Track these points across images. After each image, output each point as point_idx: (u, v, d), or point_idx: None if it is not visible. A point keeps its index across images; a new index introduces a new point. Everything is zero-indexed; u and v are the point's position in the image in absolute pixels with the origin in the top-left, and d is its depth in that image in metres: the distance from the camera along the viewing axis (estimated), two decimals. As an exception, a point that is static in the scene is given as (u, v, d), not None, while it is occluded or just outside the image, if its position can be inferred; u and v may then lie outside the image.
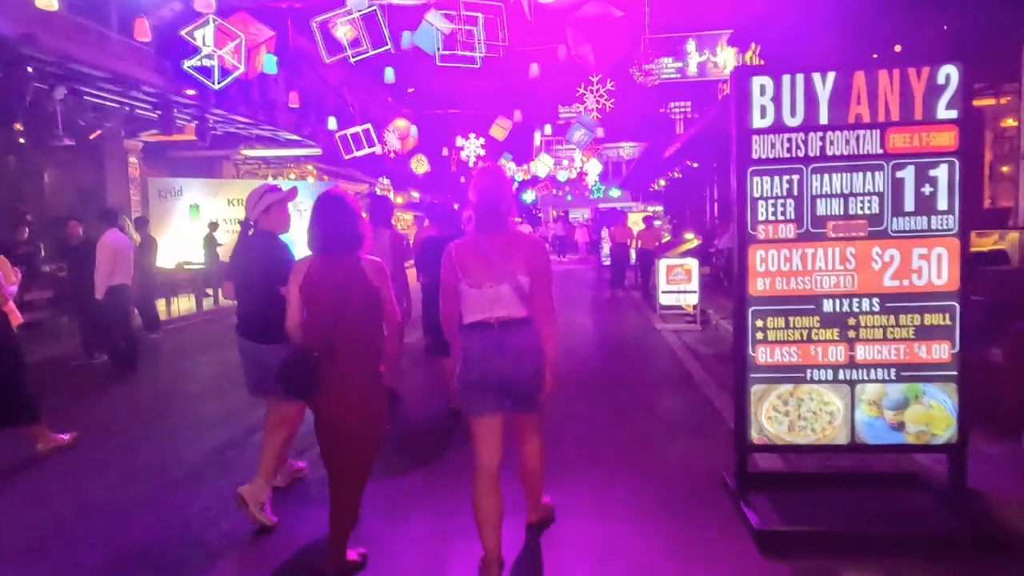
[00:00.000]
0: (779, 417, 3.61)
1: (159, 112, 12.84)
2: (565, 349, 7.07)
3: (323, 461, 3.16)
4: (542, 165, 28.60)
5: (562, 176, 36.03)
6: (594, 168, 34.32)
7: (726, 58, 17.35)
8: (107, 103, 13.07)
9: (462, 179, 32.03)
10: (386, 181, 27.46)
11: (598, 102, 13.79)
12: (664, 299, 10.07)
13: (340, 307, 2.97)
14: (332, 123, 15.23)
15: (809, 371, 3.57)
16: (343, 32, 9.09)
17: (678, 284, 9.93)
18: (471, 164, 19.99)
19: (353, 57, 9.09)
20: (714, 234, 20.16)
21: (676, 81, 18.42)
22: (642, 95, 20.42)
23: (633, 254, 15.28)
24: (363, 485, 3.15)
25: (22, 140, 11.78)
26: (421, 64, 11.65)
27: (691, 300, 9.95)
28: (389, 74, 11.26)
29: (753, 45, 10.63)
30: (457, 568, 3.24)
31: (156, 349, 9.48)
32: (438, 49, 9.06)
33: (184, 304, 13.31)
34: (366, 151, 16.26)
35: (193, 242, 17.36)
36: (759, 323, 3.59)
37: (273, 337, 3.50)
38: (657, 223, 15.42)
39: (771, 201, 3.54)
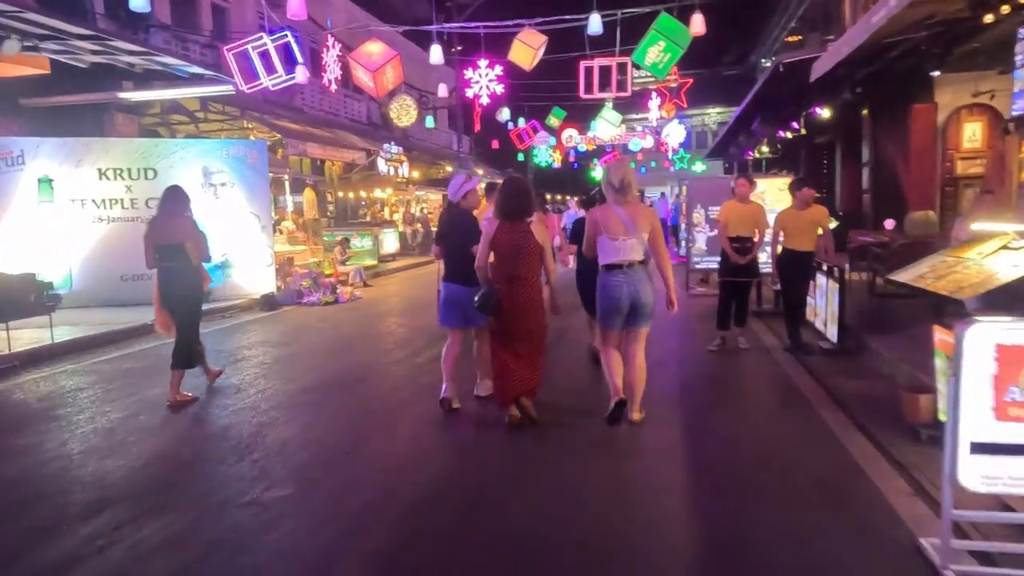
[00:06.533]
0: None
1: None
2: None
3: (509, 351, 4.74)
4: (606, 125, 21.09)
5: (635, 145, 28.49)
6: (676, 132, 26.55)
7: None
8: None
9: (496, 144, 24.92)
10: (395, 149, 20.62)
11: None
12: (983, 469, 2.68)
13: (517, 254, 4.61)
14: (139, -2, 7.89)
15: None
16: None
17: (1038, 415, 2.56)
18: (484, 102, 12.76)
19: None
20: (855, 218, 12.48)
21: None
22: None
23: (761, 256, 7.71)
24: (542, 356, 4.93)
25: None
26: None
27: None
28: None
29: None
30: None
31: None
32: None
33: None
34: (282, 80, 9.39)
35: (48, 240, 11.13)
36: None
37: (471, 281, 4.90)
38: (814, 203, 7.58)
39: None
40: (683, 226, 15.91)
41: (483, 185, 7.73)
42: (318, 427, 4.93)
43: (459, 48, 21.54)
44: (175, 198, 5.85)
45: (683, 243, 16.12)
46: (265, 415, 5.25)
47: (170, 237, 5.66)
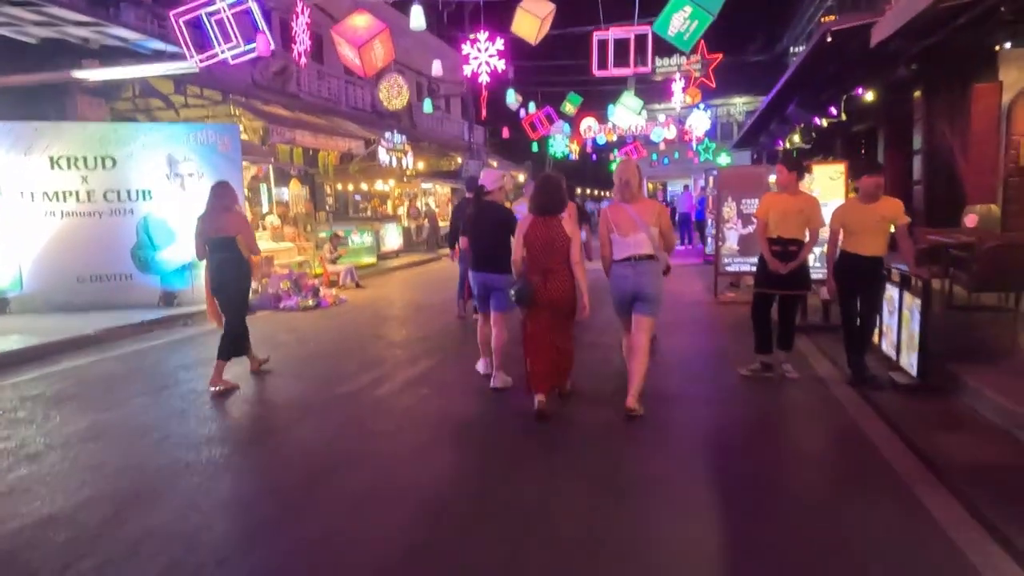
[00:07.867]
0: None
1: None
2: None
3: (539, 338, 4.91)
4: (625, 111, 19.49)
5: (656, 135, 26.82)
6: (701, 121, 24.87)
7: None
8: None
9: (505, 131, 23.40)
10: (398, 138, 19.24)
11: None
12: None
13: (550, 248, 4.80)
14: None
15: None
16: None
17: None
18: (484, 80, 11.27)
19: None
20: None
21: None
22: None
23: (812, 260, 6.07)
24: (571, 343, 5.15)
25: None
26: None
27: None
28: None
29: None
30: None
31: None
32: None
33: None
34: (241, 51, 8.02)
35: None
36: None
37: (500, 269, 5.41)
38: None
39: None
40: (710, 222, 14.34)
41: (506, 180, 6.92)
42: (200, 510, 3.51)
43: (474, 35, 20.08)
44: (223, 194, 6.15)
45: (710, 240, 14.54)
46: (143, 484, 3.86)
47: (222, 231, 6.04)
